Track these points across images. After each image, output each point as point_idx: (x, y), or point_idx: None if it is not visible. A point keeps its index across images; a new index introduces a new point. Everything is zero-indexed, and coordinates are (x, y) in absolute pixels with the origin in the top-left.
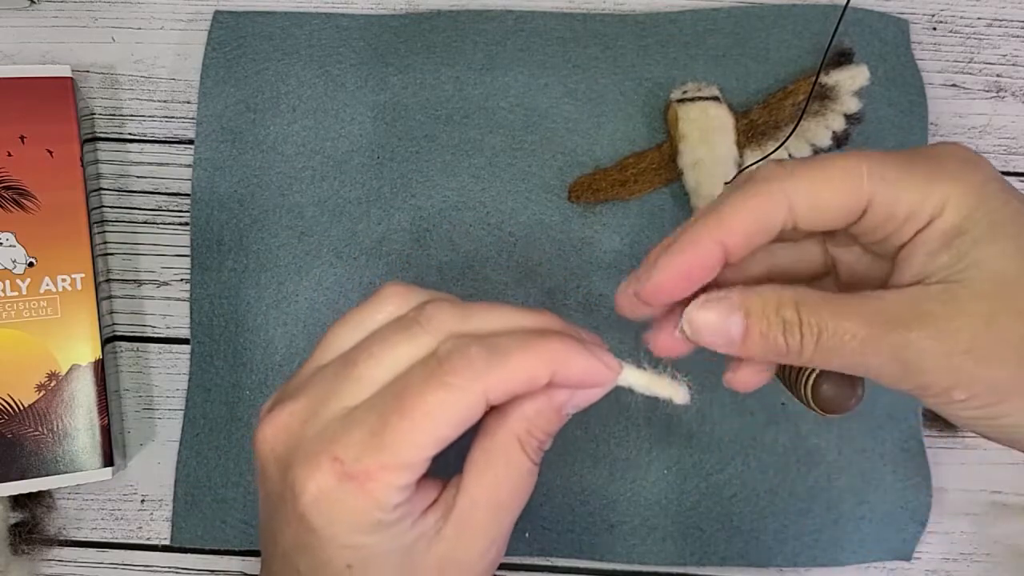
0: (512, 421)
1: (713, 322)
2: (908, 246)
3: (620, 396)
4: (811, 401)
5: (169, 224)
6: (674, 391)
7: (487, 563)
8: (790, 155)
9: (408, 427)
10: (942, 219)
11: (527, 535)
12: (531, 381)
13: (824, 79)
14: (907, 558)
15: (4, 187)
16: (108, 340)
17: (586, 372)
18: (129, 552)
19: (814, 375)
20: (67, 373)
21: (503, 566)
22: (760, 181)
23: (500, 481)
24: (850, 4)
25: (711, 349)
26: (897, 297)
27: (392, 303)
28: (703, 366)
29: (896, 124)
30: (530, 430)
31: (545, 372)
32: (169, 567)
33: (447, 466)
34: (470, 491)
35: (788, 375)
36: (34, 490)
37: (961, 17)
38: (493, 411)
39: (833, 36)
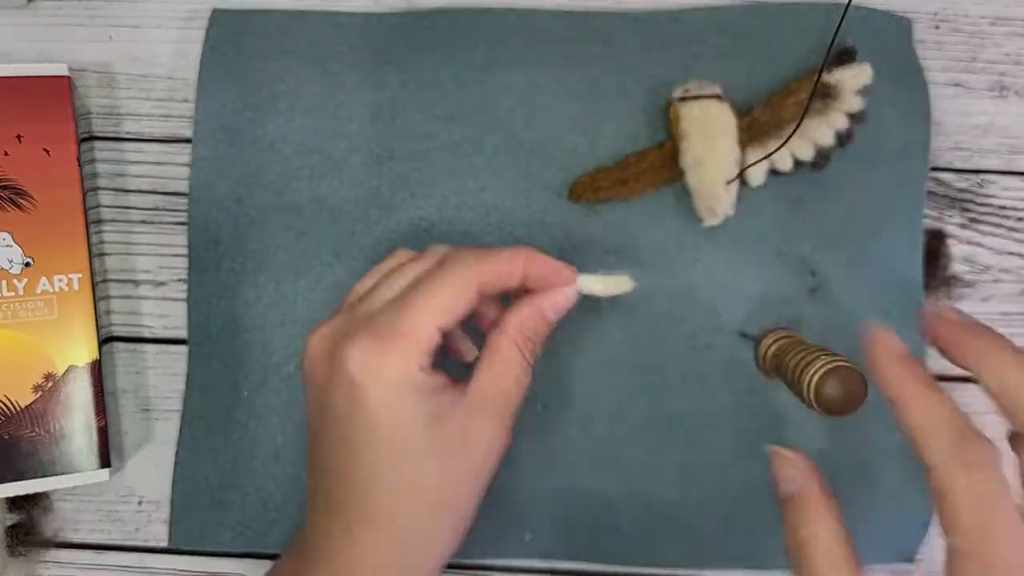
0: (508, 329)
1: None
2: None
3: (619, 396)
4: (814, 402)
5: (167, 224)
6: (623, 283)
7: (498, 436)
8: (793, 154)
9: (423, 302)
10: None
11: (528, 539)
12: (510, 272)
13: (827, 77)
14: (910, 559)
15: (1, 186)
16: (105, 341)
17: (550, 268)
18: (127, 554)
19: (817, 376)
20: (64, 374)
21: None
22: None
23: (502, 372)
24: (852, 2)
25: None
26: None
27: (403, 255)
28: (705, 367)
29: (899, 123)
30: (522, 331)
31: (519, 266)
32: (167, 569)
33: None
34: (480, 379)
35: (791, 376)
36: (31, 492)
37: (964, 16)
38: (494, 327)
39: (835, 34)
